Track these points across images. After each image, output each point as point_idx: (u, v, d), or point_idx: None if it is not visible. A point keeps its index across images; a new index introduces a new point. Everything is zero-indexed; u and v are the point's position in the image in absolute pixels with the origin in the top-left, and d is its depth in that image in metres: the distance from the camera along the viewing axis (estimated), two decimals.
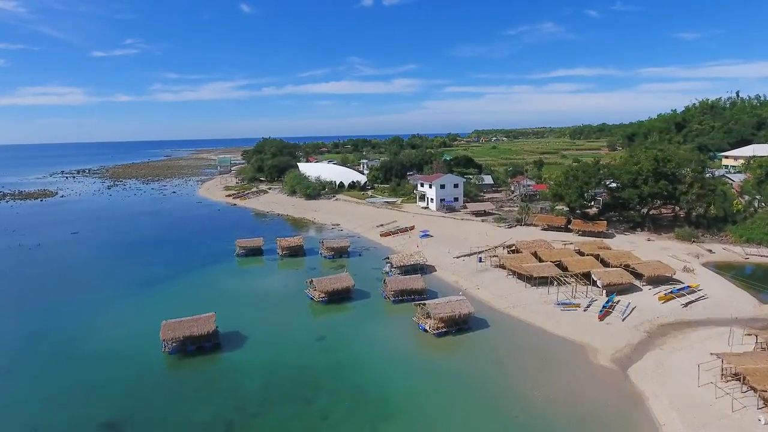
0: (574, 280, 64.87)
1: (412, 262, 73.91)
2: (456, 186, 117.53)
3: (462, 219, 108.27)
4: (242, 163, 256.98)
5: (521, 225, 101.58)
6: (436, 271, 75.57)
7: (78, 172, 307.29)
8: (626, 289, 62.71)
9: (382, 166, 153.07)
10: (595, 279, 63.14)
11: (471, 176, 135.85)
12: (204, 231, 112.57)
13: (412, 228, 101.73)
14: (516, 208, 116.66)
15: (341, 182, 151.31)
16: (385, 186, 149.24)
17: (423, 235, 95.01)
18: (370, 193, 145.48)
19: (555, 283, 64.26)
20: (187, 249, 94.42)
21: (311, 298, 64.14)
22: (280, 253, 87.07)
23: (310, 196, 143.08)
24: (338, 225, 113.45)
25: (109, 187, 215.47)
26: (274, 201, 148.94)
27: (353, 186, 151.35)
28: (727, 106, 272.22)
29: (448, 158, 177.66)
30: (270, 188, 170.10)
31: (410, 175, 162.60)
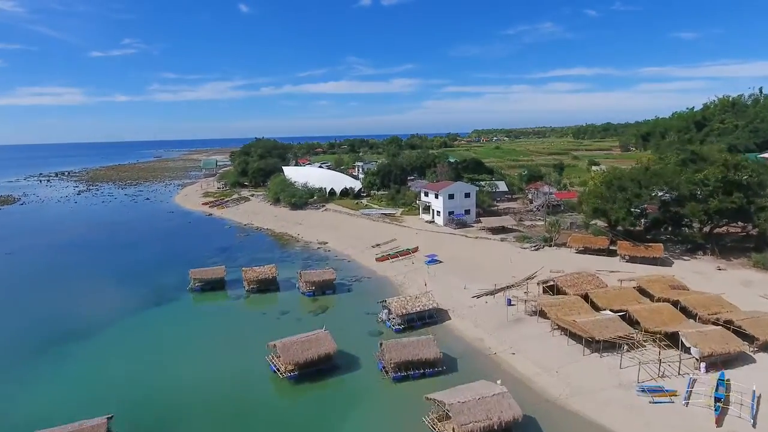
0: (653, 342, 44.86)
1: (418, 309, 53.84)
2: (467, 196, 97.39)
3: (476, 237, 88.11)
4: (230, 166, 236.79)
5: (550, 246, 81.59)
6: (450, 318, 55.51)
7: (56, 174, 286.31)
8: (732, 359, 42.73)
9: (379, 171, 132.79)
10: (687, 345, 43.05)
11: (483, 183, 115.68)
12: (164, 251, 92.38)
13: (416, 250, 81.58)
14: (539, 222, 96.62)
15: (332, 189, 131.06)
16: (383, 193, 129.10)
17: (430, 261, 74.88)
18: (365, 202, 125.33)
19: (625, 347, 44.25)
20: (132, 279, 74.02)
21: (275, 370, 44.08)
22: (247, 288, 66.96)
23: (295, 206, 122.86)
24: (326, 243, 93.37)
25: (80, 192, 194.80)
26: (254, 211, 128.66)
27: (346, 193, 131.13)
28: (749, 103, 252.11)
29: (453, 161, 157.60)
30: (253, 195, 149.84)
31: (411, 180, 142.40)
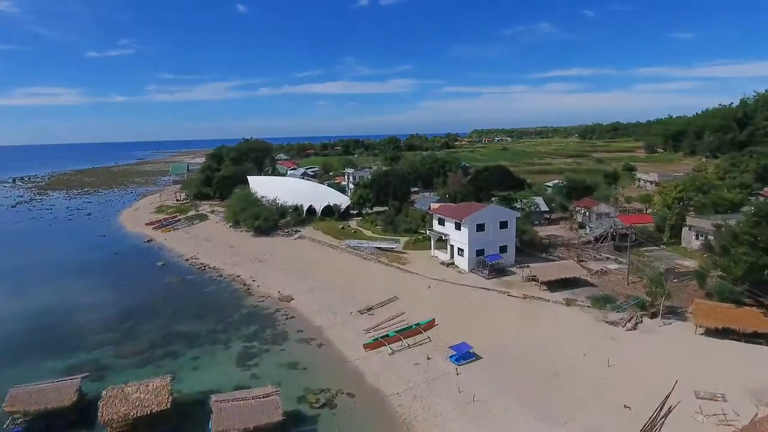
0: None
1: None
2: (504, 226, 64.06)
3: (525, 297, 54.74)
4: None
5: (651, 317, 48.63)
6: None
7: (13, 180, 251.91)
8: None
9: (374, 182, 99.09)
10: None
11: (519, 202, 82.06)
12: (39, 314, 58.89)
13: (432, 325, 48.47)
14: (611, 266, 63.54)
15: (311, 207, 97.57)
16: (379, 211, 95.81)
17: (458, 357, 41.69)
18: (354, 225, 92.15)
19: None
20: None
21: None
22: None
23: (260, 231, 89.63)
24: (290, 300, 60.11)
25: (18, 203, 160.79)
26: (208, 236, 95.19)
27: (330, 212, 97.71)
28: None
29: (465, 165, 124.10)
30: (214, 211, 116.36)
31: (415, 192, 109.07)
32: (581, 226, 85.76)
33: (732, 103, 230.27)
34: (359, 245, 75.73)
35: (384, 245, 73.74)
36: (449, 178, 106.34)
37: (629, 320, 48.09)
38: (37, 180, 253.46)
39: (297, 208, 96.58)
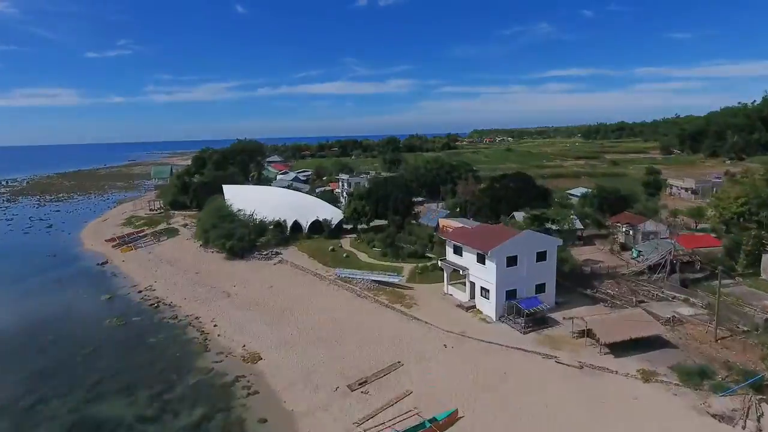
0: None
1: None
2: (542, 258, 48.15)
3: (582, 368, 38.76)
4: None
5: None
6: None
7: None
8: None
9: (371, 192, 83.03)
10: None
11: (553, 222, 65.58)
12: None
13: (453, 420, 32.59)
14: (685, 311, 47.72)
15: (296, 223, 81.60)
16: (377, 225, 79.92)
17: None
18: (347, 245, 76.30)
19: None
20: None
21: None
22: None
23: (234, 253, 73.70)
24: (257, 361, 44.20)
25: None
26: (172, 257, 79.18)
27: (319, 228, 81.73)
28: None
29: (474, 171, 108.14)
30: (189, 224, 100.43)
31: (419, 203, 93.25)
32: (623, 247, 69.89)
33: (754, 101, 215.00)
34: (352, 276, 59.80)
35: (383, 278, 57.67)
36: (459, 186, 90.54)
37: (745, 412, 32.30)
38: (15, 184, 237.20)
39: (280, 224, 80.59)
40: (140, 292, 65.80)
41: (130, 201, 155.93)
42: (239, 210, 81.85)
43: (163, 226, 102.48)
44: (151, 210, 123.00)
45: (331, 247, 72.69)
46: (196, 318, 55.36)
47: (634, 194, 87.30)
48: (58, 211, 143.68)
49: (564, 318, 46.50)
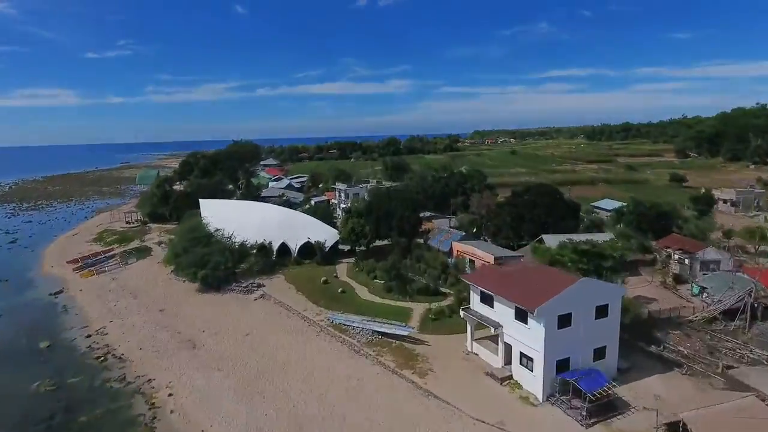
0: None
1: None
2: (603, 314, 35.67)
3: None
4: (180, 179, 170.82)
5: None
6: None
7: None
8: None
9: (372, 208, 70.37)
10: None
11: (608, 260, 52.39)
12: None
13: None
14: None
15: (283, 245, 69.00)
16: (378, 246, 67.36)
17: None
18: (342, 274, 63.72)
19: None
20: None
21: None
22: None
23: (207, 284, 61.16)
24: None
25: None
26: (136, 288, 66.49)
27: (311, 251, 69.09)
28: None
29: (486, 179, 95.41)
30: (164, 243, 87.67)
31: (426, 219, 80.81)
32: (677, 279, 57.39)
33: None
34: (348, 323, 47.22)
35: (388, 329, 45.07)
36: (473, 200, 78.04)
37: None
38: None
39: (264, 247, 68.03)
40: (89, 336, 53.31)
41: (111, 210, 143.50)
42: (217, 230, 69.26)
43: (135, 244, 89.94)
44: (127, 223, 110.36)
45: (323, 279, 60.11)
46: (149, 381, 42.83)
47: (675, 210, 74.51)
48: (30, 222, 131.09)
49: (636, 397, 33.99)
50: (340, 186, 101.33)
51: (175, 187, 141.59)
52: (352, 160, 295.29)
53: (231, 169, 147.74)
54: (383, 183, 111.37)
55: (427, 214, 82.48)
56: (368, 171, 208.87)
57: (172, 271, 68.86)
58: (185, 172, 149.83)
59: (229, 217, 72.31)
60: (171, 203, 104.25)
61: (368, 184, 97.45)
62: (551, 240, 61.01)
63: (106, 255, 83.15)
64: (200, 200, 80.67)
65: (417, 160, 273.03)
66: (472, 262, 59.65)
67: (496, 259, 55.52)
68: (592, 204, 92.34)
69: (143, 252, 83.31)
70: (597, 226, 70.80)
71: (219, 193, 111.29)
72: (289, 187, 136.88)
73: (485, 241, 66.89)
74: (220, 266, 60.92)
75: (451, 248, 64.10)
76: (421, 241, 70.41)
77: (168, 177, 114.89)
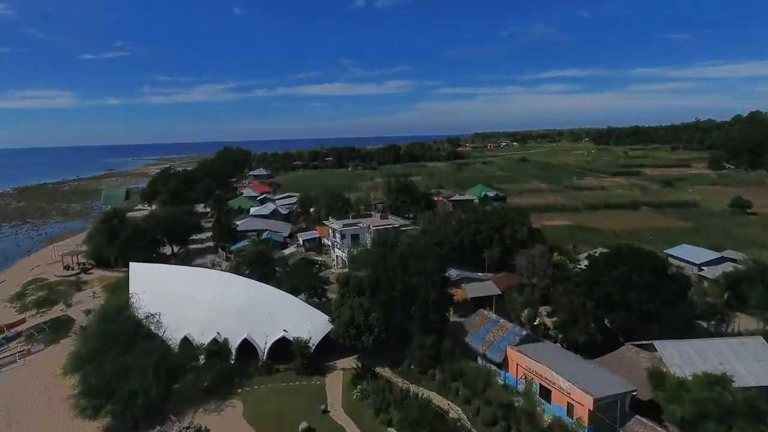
0: None
1: None
2: None
3: None
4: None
5: None
6: None
7: None
8: None
9: (379, 282, 46.66)
10: None
11: None
12: None
13: None
14: None
15: (249, 341, 45.24)
16: (394, 346, 43.88)
17: None
18: (337, 399, 40.19)
19: None
20: None
21: None
22: None
23: (120, 417, 37.44)
24: None
25: None
26: (17, 409, 42.86)
27: (284, 354, 45.23)
28: None
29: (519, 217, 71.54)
30: (96, 308, 63.71)
31: (456, 280, 57.45)
32: None
33: None
34: None
35: None
36: (521, 258, 54.66)
37: None
38: None
39: (218, 346, 44.39)
40: None
41: (68, 236, 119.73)
42: (149, 316, 45.53)
43: (58, 309, 66.18)
44: (65, 268, 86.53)
45: (303, 426, 36.27)
46: None
47: None
48: None
49: None
50: (334, 225, 77.61)
51: (141, 211, 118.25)
52: (349, 169, 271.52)
53: (207, 190, 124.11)
54: (388, 215, 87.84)
55: (455, 273, 59.01)
56: (368, 185, 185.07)
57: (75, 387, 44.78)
58: (152, 193, 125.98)
59: (170, 293, 48.58)
60: (117, 245, 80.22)
61: (370, 226, 73.75)
62: (670, 350, 37.93)
63: (10, 331, 59.37)
64: (131, 265, 56.52)
65: (420, 169, 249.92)
66: (544, 390, 36.37)
67: (595, 402, 32.26)
68: (668, 252, 68.90)
69: (60, 328, 59.41)
70: (719, 312, 47.37)
71: (188, 224, 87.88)
72: (275, 213, 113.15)
73: (561, 346, 43.56)
74: (137, 399, 37.18)
75: (505, 356, 40.68)
76: (458, 341, 46.78)
77: (109, 214, 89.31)
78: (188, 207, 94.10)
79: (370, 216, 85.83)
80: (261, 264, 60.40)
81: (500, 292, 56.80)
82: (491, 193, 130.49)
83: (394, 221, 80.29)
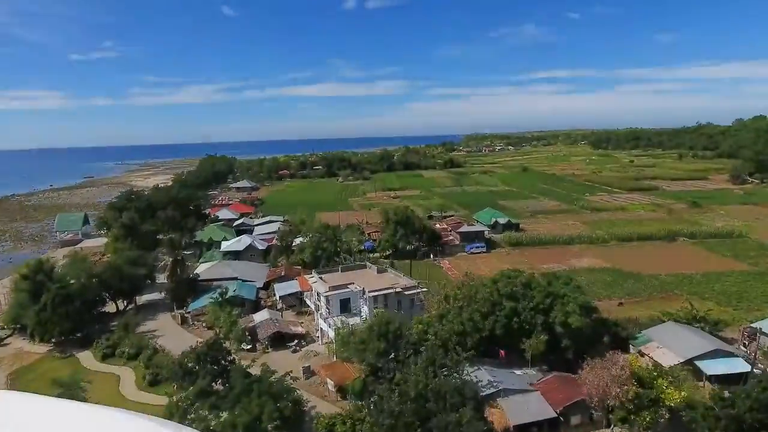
0: None
1: None
2: None
3: None
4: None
5: None
6: None
7: None
8: None
9: (396, 414, 29.05)
10: None
11: None
12: None
13: None
14: None
15: None
16: None
17: None
18: None
19: None
20: None
21: None
22: None
23: None
24: None
25: None
26: None
27: None
28: None
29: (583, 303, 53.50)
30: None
31: (490, 393, 38.72)
32: None
33: None
34: None
35: None
36: (594, 375, 36.73)
37: None
38: None
39: None
40: None
41: (3, 278, 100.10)
42: None
43: None
44: None
45: None
46: None
47: None
48: None
49: None
50: (319, 286, 59.30)
51: (98, 241, 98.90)
52: (339, 179, 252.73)
53: (171, 221, 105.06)
54: (386, 266, 69.56)
55: (486, 379, 41.00)
56: (359, 201, 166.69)
57: None
58: (108, 223, 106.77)
59: None
60: (36, 311, 61.22)
61: (365, 291, 55.51)
62: None
63: None
64: None
65: (416, 180, 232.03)
66: None
67: None
68: (763, 330, 51.30)
69: None
70: None
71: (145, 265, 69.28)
72: (250, 249, 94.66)
73: None
74: None
75: None
76: None
77: (47, 261, 70.48)
78: (135, 254, 74.73)
79: (365, 267, 67.54)
80: (210, 363, 41.83)
81: (556, 413, 39.15)
82: (502, 219, 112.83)
83: (394, 278, 62.15)
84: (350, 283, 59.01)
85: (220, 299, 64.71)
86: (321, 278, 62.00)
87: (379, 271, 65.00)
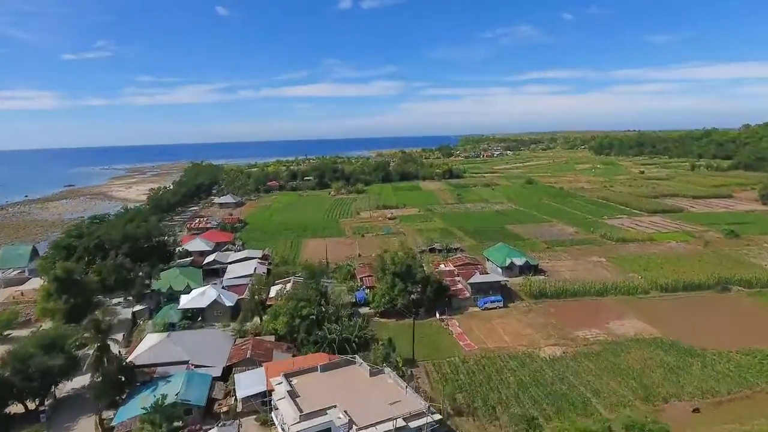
0: None
1: None
2: None
3: None
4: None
5: None
6: None
7: None
8: None
9: None
10: None
11: None
12: None
13: None
14: None
15: None
16: None
17: None
18: None
19: None
20: None
21: None
22: None
23: None
24: None
25: None
26: None
27: None
28: None
29: None
30: None
31: None
32: None
33: None
34: None
35: None
36: None
37: None
38: None
39: None
40: None
41: None
42: None
43: None
44: None
45: None
46: None
47: None
48: None
49: None
50: (286, 412, 40.89)
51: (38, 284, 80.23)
52: (332, 192, 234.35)
53: (136, 253, 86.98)
54: (383, 368, 51.73)
55: None
56: (351, 226, 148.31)
57: None
58: (46, 270, 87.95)
59: None
60: None
61: (354, 428, 38.13)
62: None
63: None
64: None
65: (413, 195, 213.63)
66: None
67: None
68: None
69: None
70: None
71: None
72: (215, 306, 76.53)
73: None
74: None
75: None
76: None
77: None
78: (52, 335, 56.71)
79: (353, 363, 49.60)
80: None
81: None
82: (518, 260, 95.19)
83: (393, 387, 44.33)
84: (331, 407, 41.04)
85: (154, 409, 46.61)
86: (289, 390, 43.98)
87: (373, 374, 47.17)
